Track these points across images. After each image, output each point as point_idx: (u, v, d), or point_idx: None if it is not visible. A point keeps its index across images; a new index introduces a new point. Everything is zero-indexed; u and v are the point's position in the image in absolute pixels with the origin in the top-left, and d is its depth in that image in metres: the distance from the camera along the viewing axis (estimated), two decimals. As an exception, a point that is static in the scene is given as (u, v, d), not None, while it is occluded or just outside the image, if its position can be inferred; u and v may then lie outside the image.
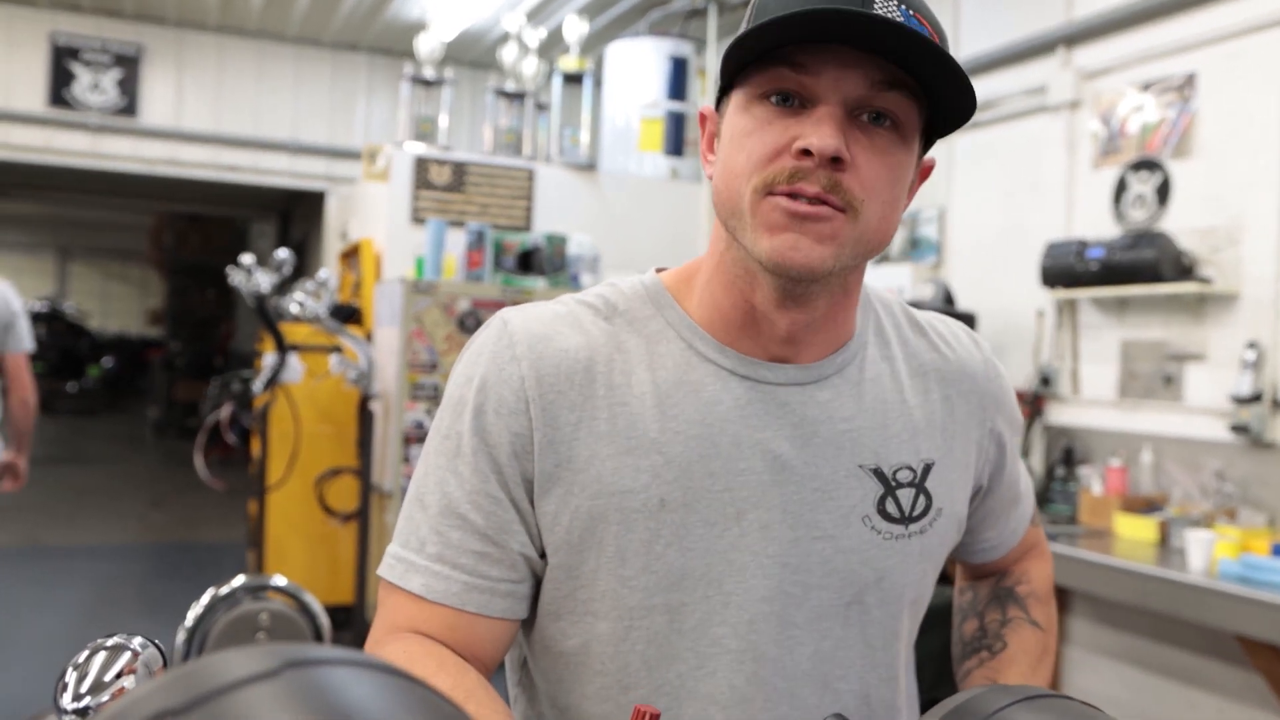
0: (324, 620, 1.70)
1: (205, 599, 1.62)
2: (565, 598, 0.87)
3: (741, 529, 0.85)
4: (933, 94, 0.81)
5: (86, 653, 0.57)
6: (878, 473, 0.89)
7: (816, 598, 0.87)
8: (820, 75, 0.79)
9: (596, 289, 0.94)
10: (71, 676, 0.55)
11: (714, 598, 0.85)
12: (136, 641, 0.59)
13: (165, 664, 0.60)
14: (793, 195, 0.78)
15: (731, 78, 0.85)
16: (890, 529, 0.89)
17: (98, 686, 0.54)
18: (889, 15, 0.76)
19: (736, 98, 0.84)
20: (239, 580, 1.66)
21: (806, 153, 0.78)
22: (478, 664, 0.85)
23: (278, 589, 1.66)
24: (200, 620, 1.58)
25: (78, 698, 0.54)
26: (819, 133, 0.77)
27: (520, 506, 0.86)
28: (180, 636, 1.54)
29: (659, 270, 0.96)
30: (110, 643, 0.57)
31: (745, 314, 0.87)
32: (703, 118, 0.91)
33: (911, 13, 0.77)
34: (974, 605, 1.10)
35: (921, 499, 0.91)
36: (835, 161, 0.78)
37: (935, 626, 1.23)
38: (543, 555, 0.88)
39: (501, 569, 0.85)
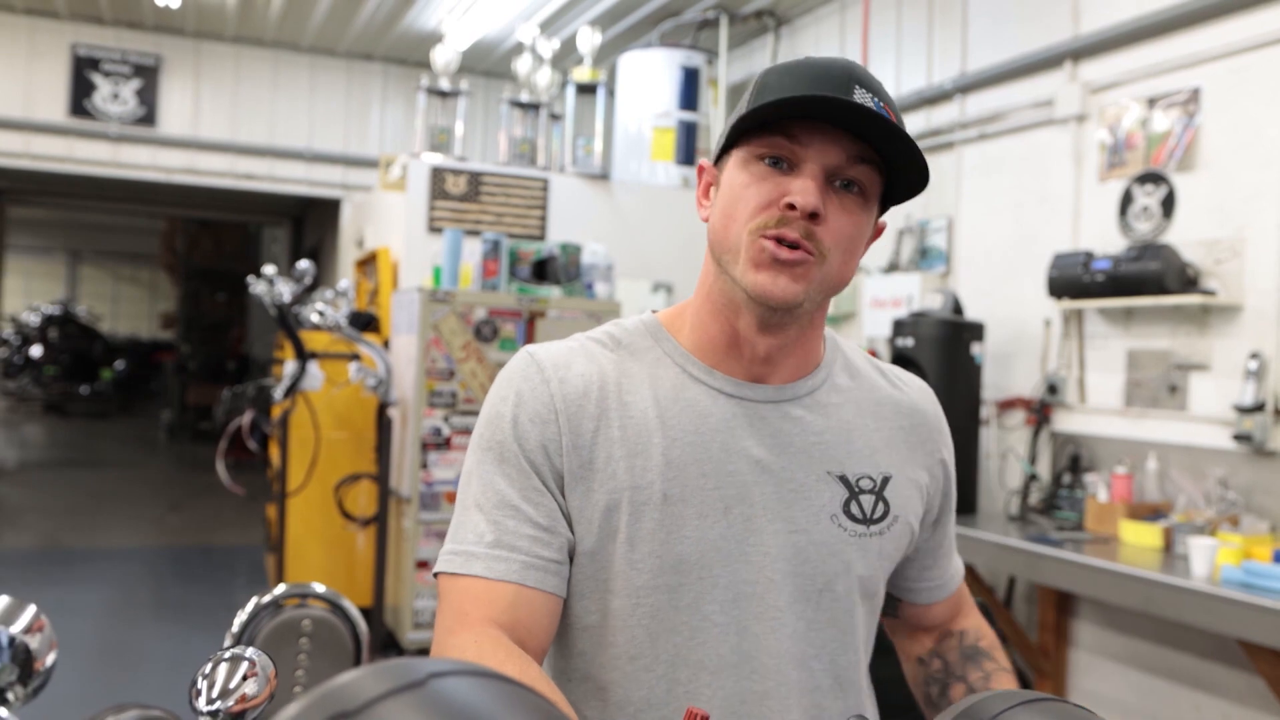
0: (362, 626, 1.79)
1: (250, 606, 1.70)
2: (588, 578, 1.02)
3: (729, 522, 1.01)
4: (892, 169, 1.01)
5: (210, 664, 0.67)
6: (843, 479, 1.06)
7: (793, 584, 1.02)
8: (808, 146, 0.98)
9: (601, 328, 1.13)
10: (203, 684, 0.64)
11: (705, 579, 1.01)
12: (250, 652, 0.68)
13: (276, 671, 0.69)
14: (778, 240, 0.97)
15: (735, 140, 1.03)
16: (854, 528, 1.06)
17: (225, 692, 0.63)
18: (865, 104, 0.95)
19: (737, 155, 1.02)
20: (281, 588, 1.75)
21: (792, 206, 0.97)
22: (534, 642, 0.97)
23: (318, 596, 1.74)
24: (246, 625, 1.66)
25: (210, 701, 0.63)
26: (804, 192, 0.96)
27: (558, 499, 1.02)
28: (227, 641, 1.62)
29: (654, 311, 1.15)
30: (228, 655, 0.66)
31: (730, 338, 1.05)
32: (701, 169, 1.09)
33: (881, 105, 0.97)
34: (951, 671, 1.21)
35: (881, 505, 1.07)
36: (813, 216, 0.97)
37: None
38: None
39: (552, 550, 1.00)
